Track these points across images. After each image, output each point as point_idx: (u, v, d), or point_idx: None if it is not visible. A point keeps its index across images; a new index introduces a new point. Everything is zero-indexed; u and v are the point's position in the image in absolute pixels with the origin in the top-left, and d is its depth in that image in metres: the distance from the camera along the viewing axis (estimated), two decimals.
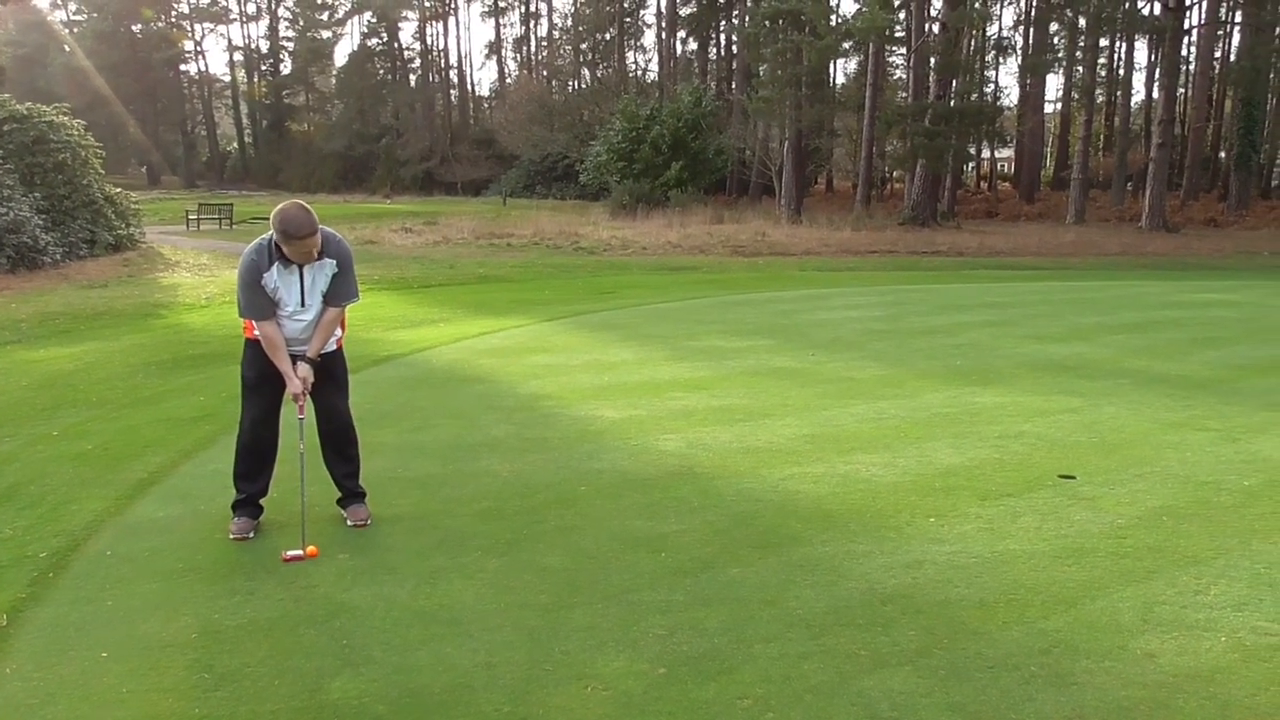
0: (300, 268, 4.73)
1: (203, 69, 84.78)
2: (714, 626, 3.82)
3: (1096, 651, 3.59)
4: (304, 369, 4.87)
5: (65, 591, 4.21)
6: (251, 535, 4.82)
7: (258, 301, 4.75)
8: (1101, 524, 4.90)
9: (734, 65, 57.22)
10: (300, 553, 4.57)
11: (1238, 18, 42.92)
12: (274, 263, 4.69)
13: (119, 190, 24.48)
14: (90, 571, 4.42)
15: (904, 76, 45.29)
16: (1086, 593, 4.09)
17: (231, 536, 4.79)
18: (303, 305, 4.82)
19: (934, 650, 3.62)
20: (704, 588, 4.19)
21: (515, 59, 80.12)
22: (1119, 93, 52.41)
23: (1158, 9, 35.91)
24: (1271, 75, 38.64)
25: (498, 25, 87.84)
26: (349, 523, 4.97)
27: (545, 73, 72.31)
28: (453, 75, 78.79)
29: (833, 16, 39.45)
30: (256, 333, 4.86)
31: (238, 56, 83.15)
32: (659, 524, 4.95)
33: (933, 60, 36.05)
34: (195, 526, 4.97)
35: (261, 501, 5.00)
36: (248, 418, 4.99)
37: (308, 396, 4.93)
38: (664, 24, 62.75)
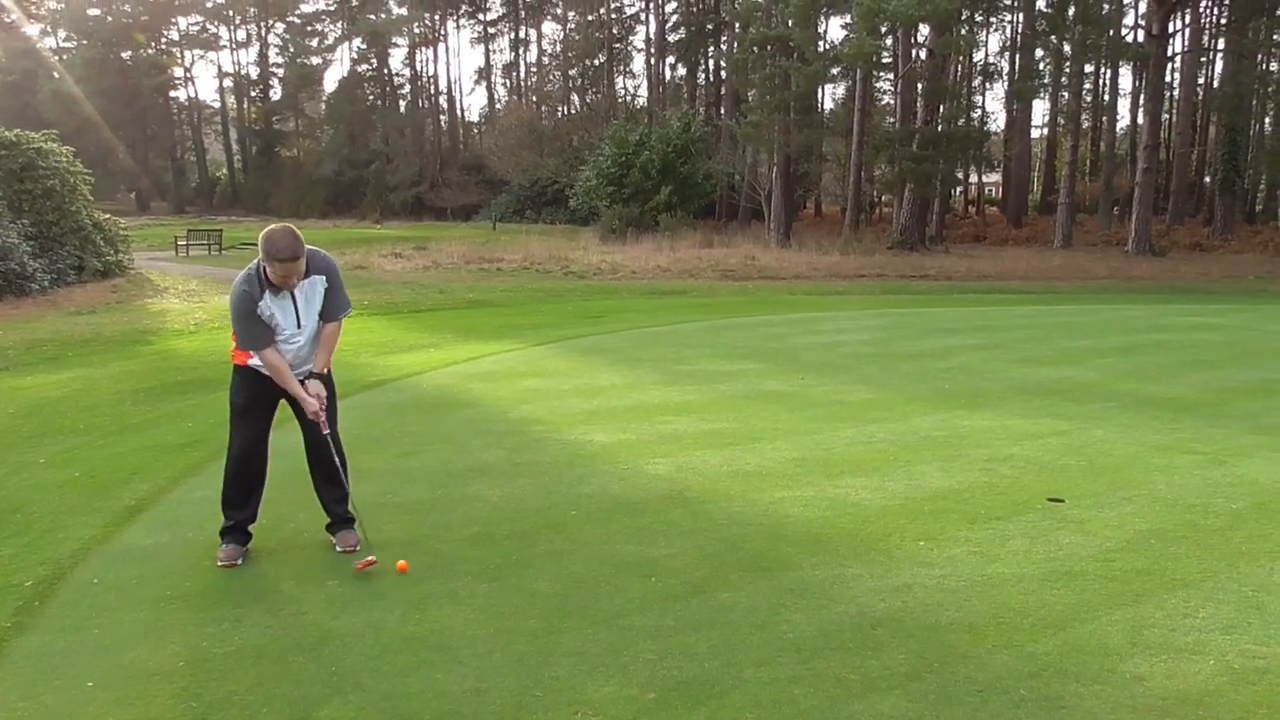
0: (291, 290, 4.74)
1: (192, 95, 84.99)
2: (704, 651, 3.81)
3: (1085, 675, 3.60)
4: (315, 385, 4.88)
5: (51, 620, 4.18)
6: (240, 562, 4.80)
7: (256, 331, 4.73)
8: (1090, 547, 4.91)
9: (723, 91, 57.55)
10: (373, 558, 4.70)
11: (1220, 45, 43.48)
12: (265, 290, 4.69)
13: (108, 217, 24.46)
14: (77, 600, 4.39)
15: (892, 102, 45.61)
16: (1075, 616, 4.10)
17: (220, 564, 4.77)
18: (299, 327, 4.83)
19: (924, 674, 3.62)
20: (694, 612, 4.18)
21: (505, 84, 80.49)
22: (1104, 118, 52.97)
23: (1141, 36, 36.27)
24: (1254, 101, 39.02)
25: (487, 51, 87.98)
26: (338, 549, 4.96)
27: (535, 98, 72.60)
28: (442, 101, 79.03)
29: (821, 43, 39.82)
30: (253, 361, 4.84)
31: (228, 83, 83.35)
32: (649, 548, 4.95)
33: (920, 86, 36.35)
34: (183, 554, 4.95)
35: (250, 528, 4.98)
36: (237, 444, 4.98)
37: (300, 419, 4.94)
38: (653, 50, 63.19)
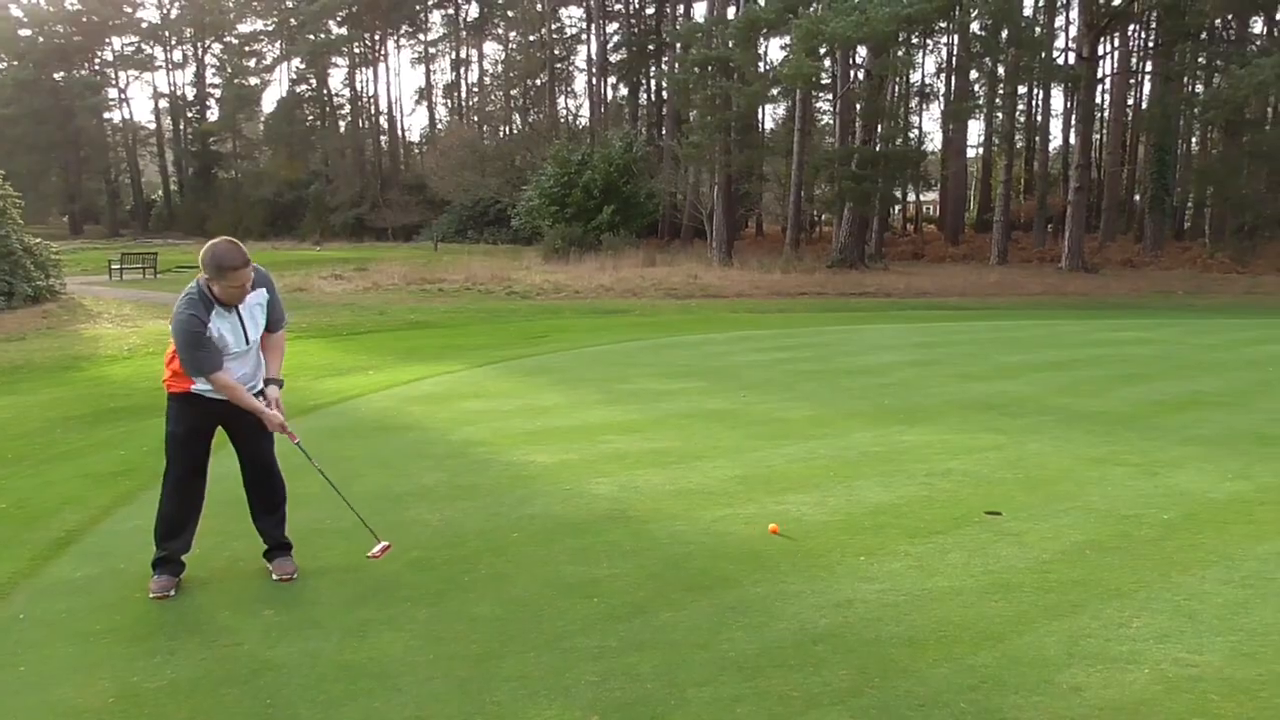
0: (236, 307, 4.65)
1: (127, 116, 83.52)
2: (647, 671, 3.79)
3: (1024, 686, 3.64)
4: (274, 391, 4.87)
5: None
6: (173, 593, 4.69)
7: (206, 355, 4.59)
8: (1027, 559, 4.98)
9: (664, 111, 57.92)
10: (385, 544, 5.01)
11: (1148, 67, 44.67)
12: (211, 310, 4.59)
13: (39, 240, 23.93)
14: (2, 636, 4.26)
15: (831, 122, 46.28)
16: (1013, 628, 4.15)
17: (151, 595, 4.65)
18: (247, 342, 4.75)
19: (865, 690, 3.63)
20: (636, 632, 4.16)
21: (446, 105, 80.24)
22: (1037, 138, 54.18)
23: (1072, 59, 37.16)
24: (1180, 122, 40.14)
25: (428, 71, 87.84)
26: (274, 577, 4.86)
27: (476, 118, 72.47)
28: (383, 121, 78.56)
29: (761, 64, 40.28)
30: (197, 386, 4.73)
31: (164, 104, 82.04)
32: (591, 569, 4.92)
33: (858, 106, 36.89)
34: (114, 586, 4.82)
35: (184, 558, 4.87)
36: (174, 474, 4.86)
37: (237, 444, 4.88)
38: (594, 70, 63.39)
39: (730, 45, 35.54)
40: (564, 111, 70.26)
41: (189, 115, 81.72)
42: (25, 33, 72.93)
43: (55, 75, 73.84)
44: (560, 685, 3.70)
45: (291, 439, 4.89)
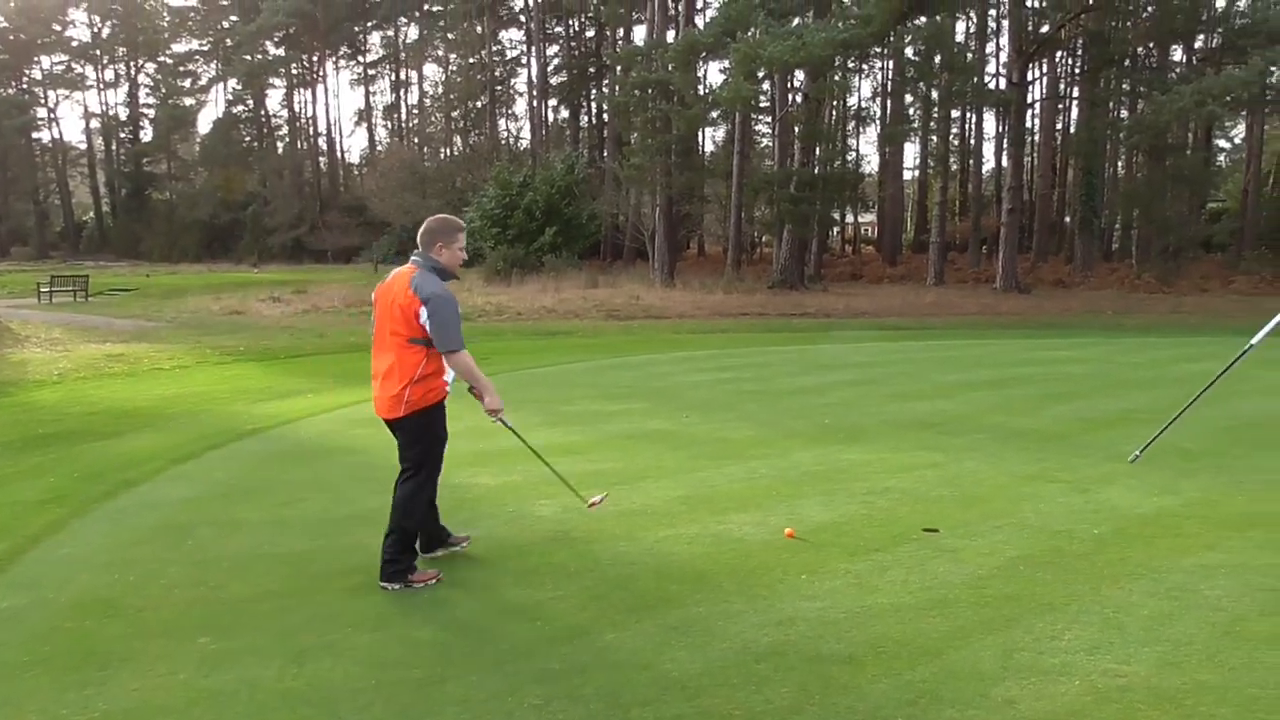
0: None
1: (57, 136, 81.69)
2: (590, 693, 3.80)
3: (960, 700, 3.71)
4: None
5: None
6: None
7: (458, 331, 4.92)
8: (963, 575, 5.08)
9: (605, 133, 58.16)
10: (604, 495, 5.67)
11: (1075, 93, 45.90)
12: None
13: None
14: None
15: (770, 144, 46.82)
16: (950, 643, 4.23)
17: (434, 582, 5.00)
18: None
19: (806, 707, 3.68)
20: (580, 654, 4.17)
21: (386, 126, 79.81)
22: (971, 161, 55.32)
23: (1004, 84, 38.04)
24: (1107, 146, 41.26)
25: (367, 93, 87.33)
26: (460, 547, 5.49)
27: (416, 140, 72.13)
28: (321, 143, 77.87)
29: (700, 86, 40.65)
30: (449, 377, 5.04)
31: (95, 124, 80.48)
32: (535, 591, 4.92)
33: (797, 129, 37.38)
34: (43, 616, 4.71)
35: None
36: (433, 478, 5.18)
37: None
38: (535, 92, 63.52)
39: (670, 68, 35.85)
40: (505, 133, 70.27)
41: (122, 135, 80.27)
42: None
43: None
44: (504, 709, 3.69)
45: (502, 419, 5.22)
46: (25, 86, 76.84)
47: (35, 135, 78.35)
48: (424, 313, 4.83)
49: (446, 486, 7.03)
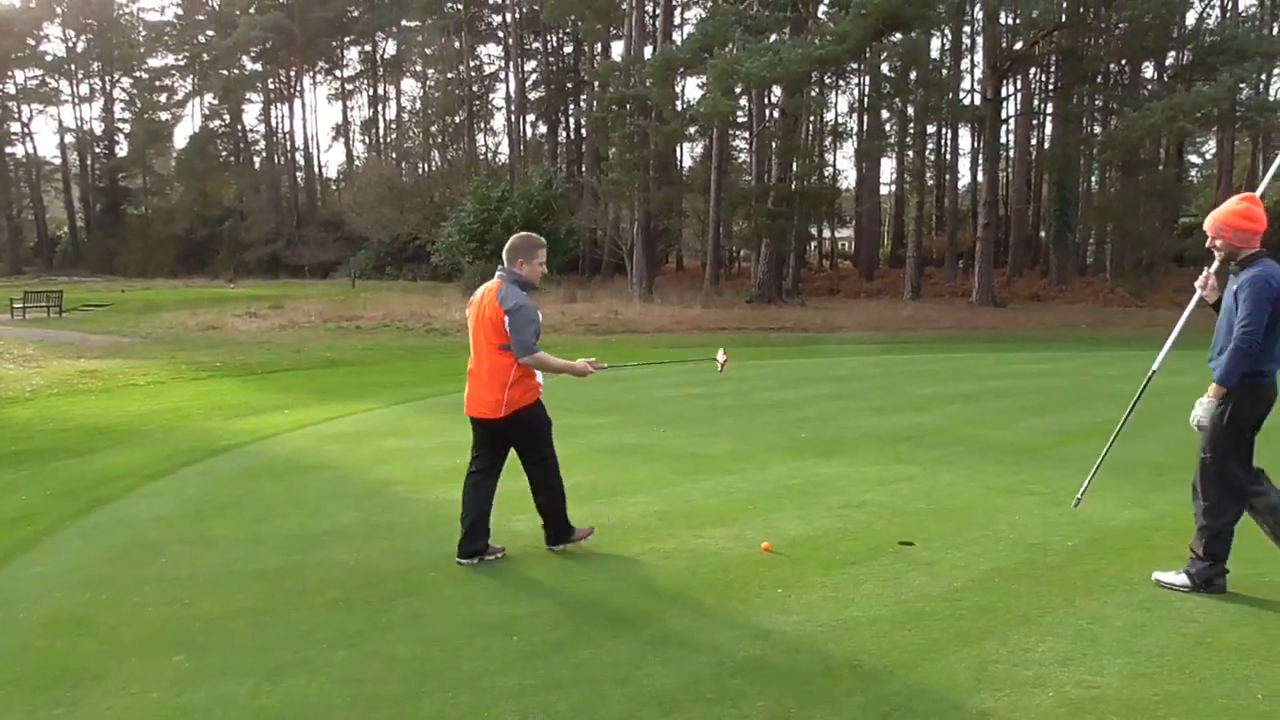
0: None
1: (30, 151, 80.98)
2: (566, 709, 3.79)
3: (934, 713, 3.72)
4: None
5: None
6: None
7: (537, 336, 5.48)
8: (939, 587, 5.10)
9: (583, 148, 58.30)
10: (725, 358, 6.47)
11: (1049, 109, 46.37)
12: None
13: None
14: None
15: (748, 159, 47.05)
16: (925, 655, 4.24)
17: (589, 538, 5.83)
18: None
19: None
20: (556, 670, 4.16)
21: (364, 141, 79.67)
22: (947, 176, 55.71)
23: (978, 100, 38.41)
24: (1080, 161, 41.76)
25: (345, 108, 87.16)
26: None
27: (394, 155, 72.06)
28: (299, 157, 77.64)
29: (678, 102, 40.83)
30: (541, 377, 5.64)
31: (70, 138, 79.88)
32: (511, 607, 4.91)
33: (774, 144, 37.59)
34: (15, 634, 4.65)
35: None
36: (556, 458, 5.79)
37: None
38: (513, 107, 63.60)
39: (648, 84, 36.01)
40: (483, 148, 70.33)
41: (97, 150, 79.75)
42: None
43: None
44: None
45: (599, 367, 5.85)
46: None
47: (8, 150, 77.74)
48: (507, 321, 5.39)
49: (422, 503, 7.05)
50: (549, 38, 65.12)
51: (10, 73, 75.87)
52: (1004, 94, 39.08)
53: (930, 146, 53.54)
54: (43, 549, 5.84)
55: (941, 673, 4.07)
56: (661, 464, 8.29)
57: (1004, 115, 41.37)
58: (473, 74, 68.07)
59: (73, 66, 77.43)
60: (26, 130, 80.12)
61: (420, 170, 68.71)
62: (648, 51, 39.34)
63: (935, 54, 42.61)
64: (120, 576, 5.13)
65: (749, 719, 3.70)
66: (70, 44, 77.20)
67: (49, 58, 76.74)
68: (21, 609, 4.96)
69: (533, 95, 65.08)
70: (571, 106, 63.43)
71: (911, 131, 43.91)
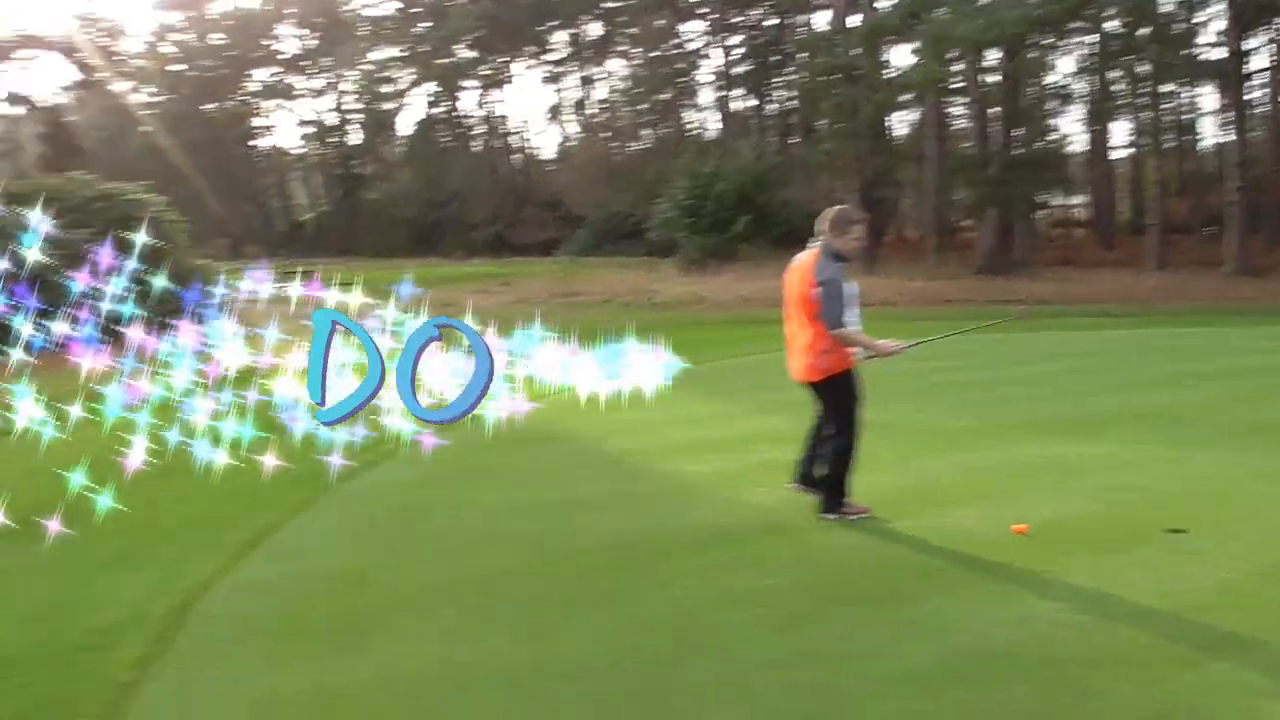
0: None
1: (274, 144, 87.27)
2: (824, 683, 3.79)
3: (1222, 713, 3.48)
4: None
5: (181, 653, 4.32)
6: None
7: (841, 310, 5.55)
8: (1214, 579, 4.73)
9: (793, 120, 57.52)
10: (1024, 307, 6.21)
11: None
12: (840, 268, 5.58)
13: (204, 262, 25.21)
14: (204, 629, 4.54)
15: (967, 125, 45.10)
16: (1206, 652, 3.96)
17: (865, 515, 5.75)
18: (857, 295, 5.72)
19: (1053, 709, 3.55)
20: (806, 643, 4.16)
21: (576, 121, 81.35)
22: (1188, 137, 51.59)
23: (1221, 54, 35.41)
24: None
25: (556, 90, 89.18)
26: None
27: (608, 134, 73.28)
28: (515, 140, 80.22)
29: (888, 70, 39.60)
30: (852, 349, 5.72)
31: (307, 130, 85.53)
32: (756, 579, 4.93)
33: (995, 109, 35.93)
34: (308, 582, 5.12)
35: None
36: (856, 433, 5.78)
37: None
38: (720, 82, 63.39)
39: (856, 53, 35.12)
40: (692, 124, 70.42)
41: (330, 140, 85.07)
42: (175, 67, 77.21)
43: (205, 107, 77.95)
44: (737, 692, 3.74)
45: (904, 347, 5.93)
46: (244, 99, 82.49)
47: (255, 143, 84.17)
48: (815, 293, 5.54)
49: (660, 473, 7.18)
50: (752, 11, 64.35)
51: (250, 72, 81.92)
52: (1253, 46, 35.76)
53: (1169, 105, 49.71)
54: (320, 507, 6.33)
55: (1227, 672, 3.78)
56: (903, 440, 8.07)
57: (1251, 69, 37.91)
58: (677, 51, 68.18)
59: (305, 63, 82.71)
60: (269, 124, 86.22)
61: (631, 149, 69.59)
62: (855, 20, 38.30)
63: (1169, 7, 39.37)
64: (391, 535, 5.50)
65: (1013, 705, 3.58)
66: (301, 43, 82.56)
67: (283, 56, 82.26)
68: (309, 560, 5.41)
69: (739, 69, 64.57)
70: (777, 79, 62.57)
71: (1146, 91, 40.86)
